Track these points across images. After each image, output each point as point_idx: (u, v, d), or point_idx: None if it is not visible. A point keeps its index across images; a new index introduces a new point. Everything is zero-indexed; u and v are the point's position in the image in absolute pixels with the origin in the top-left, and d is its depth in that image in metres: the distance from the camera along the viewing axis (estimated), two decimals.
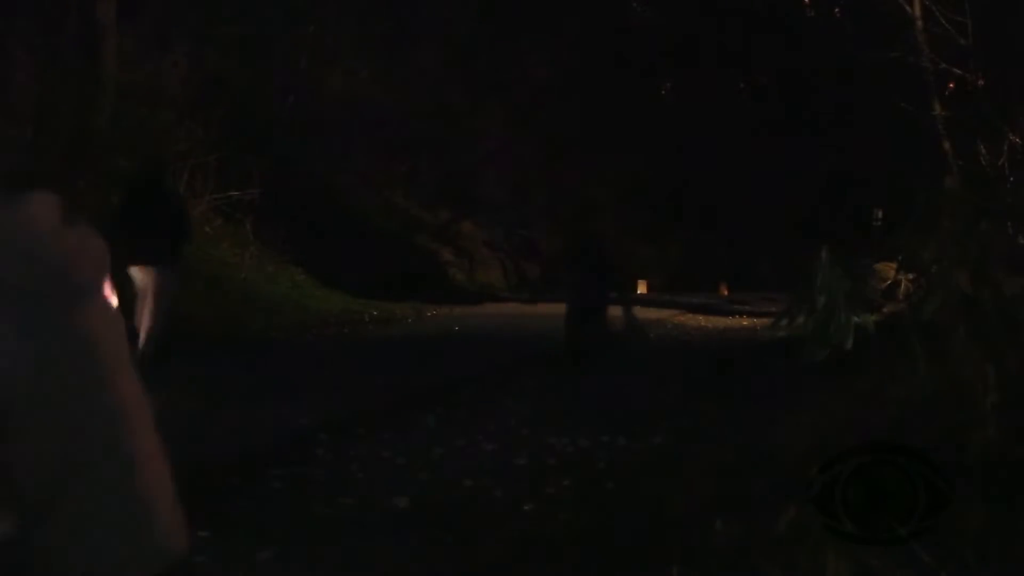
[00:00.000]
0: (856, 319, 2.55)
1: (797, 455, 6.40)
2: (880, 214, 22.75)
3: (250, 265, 17.61)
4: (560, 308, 11.81)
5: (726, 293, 29.65)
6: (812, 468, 2.53)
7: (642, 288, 29.73)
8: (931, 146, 12.39)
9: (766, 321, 15.98)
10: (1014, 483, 2.54)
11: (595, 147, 29.70)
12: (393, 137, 24.44)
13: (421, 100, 25.32)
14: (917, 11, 11.70)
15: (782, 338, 8.33)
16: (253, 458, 7.53)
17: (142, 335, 10.56)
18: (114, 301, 1.67)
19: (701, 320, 21.03)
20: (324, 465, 7.51)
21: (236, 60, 20.17)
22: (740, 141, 30.65)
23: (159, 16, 17.57)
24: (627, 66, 30.77)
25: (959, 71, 11.91)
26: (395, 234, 24.02)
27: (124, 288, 10.14)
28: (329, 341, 14.64)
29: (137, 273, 10.44)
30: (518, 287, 26.93)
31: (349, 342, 14.76)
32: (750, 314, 21.28)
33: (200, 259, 16.50)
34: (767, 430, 8.10)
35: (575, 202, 21.06)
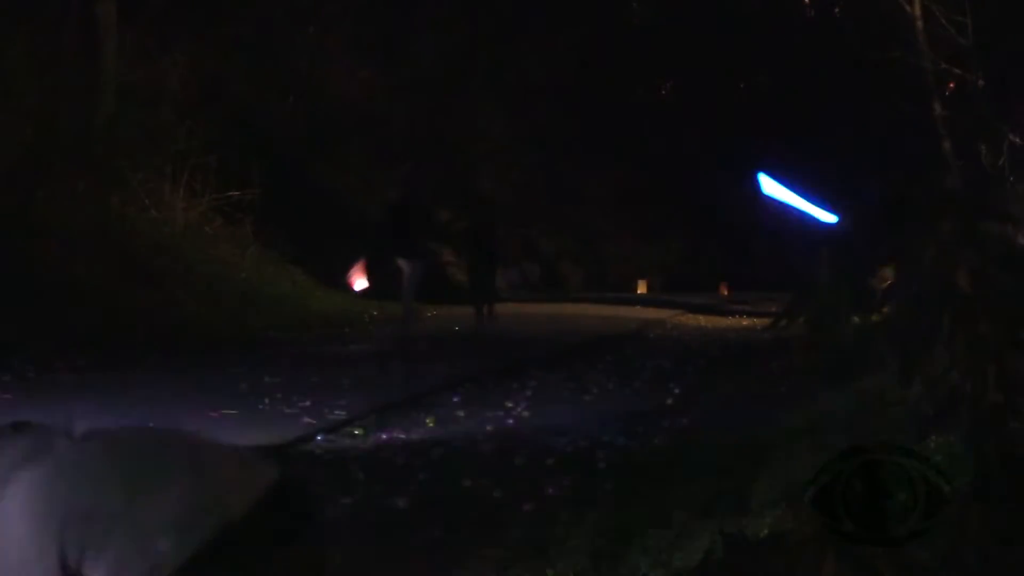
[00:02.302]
0: (856, 319, 2.55)
1: (797, 455, 6.39)
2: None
3: (250, 265, 17.61)
4: (559, 308, 11.89)
5: (726, 293, 29.62)
6: (812, 468, 2.54)
7: (642, 288, 29.70)
8: (931, 146, 12.40)
9: (766, 321, 15.95)
10: (1014, 483, 2.55)
11: (595, 147, 29.69)
12: (393, 137, 24.42)
13: (421, 100, 25.31)
14: (917, 11, 11.70)
15: (782, 338, 8.33)
16: None
17: (404, 311, 14.04)
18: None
19: (701, 320, 21.03)
20: (324, 465, 7.51)
21: (236, 60, 20.16)
22: (739, 141, 30.64)
23: (159, 16, 17.55)
24: (627, 65, 30.74)
25: (959, 71, 11.91)
26: None
27: (397, 275, 13.66)
28: (328, 341, 14.64)
29: (403, 264, 13.71)
30: (519, 287, 26.92)
31: (348, 342, 14.76)
32: (750, 314, 21.26)
33: (200, 259, 16.51)
34: (767, 430, 8.09)
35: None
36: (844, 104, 26.10)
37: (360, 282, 13.69)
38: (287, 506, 1.97)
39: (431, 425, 9.12)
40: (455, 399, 10.32)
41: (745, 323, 19.90)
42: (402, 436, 8.61)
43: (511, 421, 9.38)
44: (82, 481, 1.90)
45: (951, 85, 12.20)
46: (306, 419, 8.95)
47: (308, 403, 9.55)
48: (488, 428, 8.97)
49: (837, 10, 14.69)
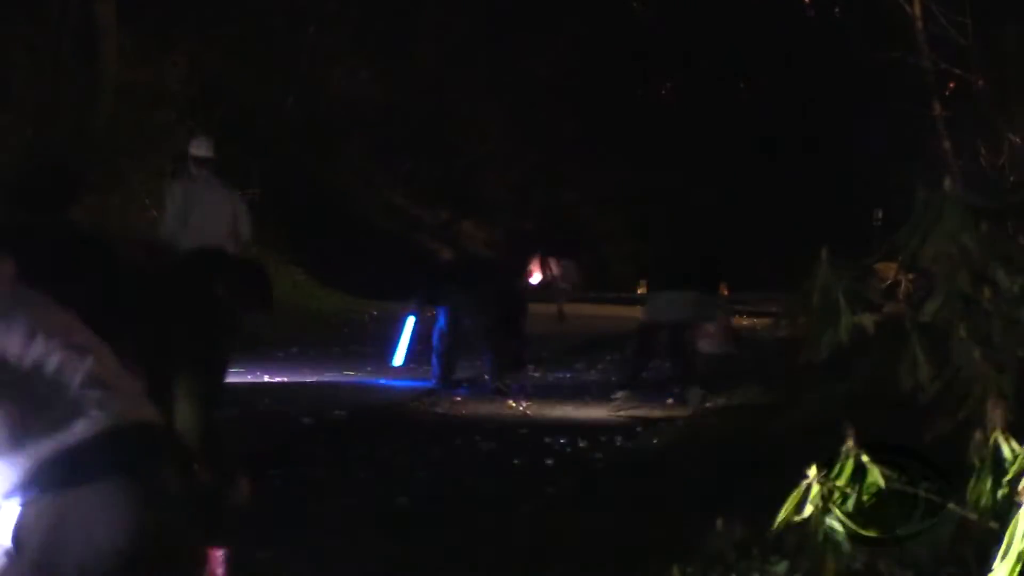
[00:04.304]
0: (856, 319, 2.55)
1: (796, 455, 6.38)
2: (880, 214, 22.70)
3: None
4: (556, 308, 12.07)
5: (726, 293, 29.57)
6: (812, 468, 2.54)
7: (642, 288, 29.66)
8: (931, 146, 12.39)
9: (766, 321, 15.98)
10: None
11: (595, 147, 29.68)
12: (393, 137, 24.41)
13: (421, 100, 25.30)
14: (917, 11, 11.69)
15: (782, 338, 8.34)
16: (253, 457, 7.52)
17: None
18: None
19: None
20: (324, 465, 7.52)
21: (236, 60, 20.15)
22: (740, 141, 30.64)
23: (159, 16, 17.54)
24: (627, 66, 30.74)
25: (959, 71, 11.90)
26: (395, 234, 23.98)
27: None
28: (329, 342, 14.64)
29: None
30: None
31: (349, 342, 14.76)
32: (750, 314, 21.23)
33: None
34: (766, 430, 8.10)
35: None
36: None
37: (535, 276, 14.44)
38: (120, 443, 2.54)
39: (431, 425, 9.12)
40: (456, 398, 10.34)
41: (745, 323, 19.89)
42: (401, 436, 8.61)
43: (512, 420, 9.39)
44: None
45: (951, 85, 12.19)
46: (306, 419, 8.96)
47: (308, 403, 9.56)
48: (488, 427, 8.98)
49: (837, 10, 14.67)
